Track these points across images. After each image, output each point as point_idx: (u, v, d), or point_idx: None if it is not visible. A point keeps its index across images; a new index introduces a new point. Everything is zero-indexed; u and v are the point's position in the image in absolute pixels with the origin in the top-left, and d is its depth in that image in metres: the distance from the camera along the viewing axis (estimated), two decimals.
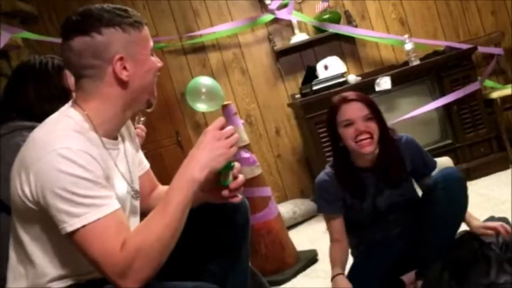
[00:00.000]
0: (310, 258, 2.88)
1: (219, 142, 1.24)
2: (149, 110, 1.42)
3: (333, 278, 1.95)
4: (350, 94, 1.99)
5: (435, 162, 2.12)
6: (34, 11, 3.74)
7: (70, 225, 1.13)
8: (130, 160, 1.42)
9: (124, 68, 1.27)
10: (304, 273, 2.78)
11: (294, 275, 2.76)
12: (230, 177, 1.35)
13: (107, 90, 1.28)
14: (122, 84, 1.28)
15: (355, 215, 2.04)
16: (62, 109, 1.32)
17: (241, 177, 1.38)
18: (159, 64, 1.37)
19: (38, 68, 1.89)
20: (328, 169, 2.08)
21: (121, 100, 1.30)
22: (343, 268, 1.99)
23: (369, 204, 2.01)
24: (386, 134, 1.98)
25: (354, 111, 1.93)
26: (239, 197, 1.39)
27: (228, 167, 1.32)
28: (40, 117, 1.44)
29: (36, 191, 1.15)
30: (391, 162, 1.98)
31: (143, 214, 1.43)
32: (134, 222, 1.40)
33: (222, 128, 1.26)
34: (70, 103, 1.33)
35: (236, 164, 1.36)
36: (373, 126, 1.92)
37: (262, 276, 2.16)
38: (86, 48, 1.25)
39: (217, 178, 1.36)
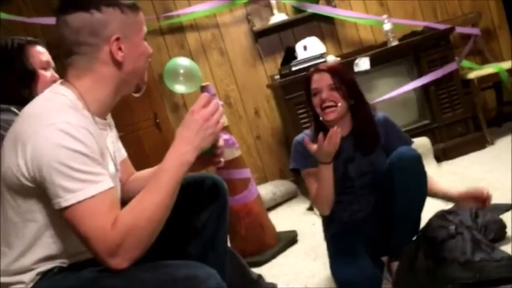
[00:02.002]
0: (290, 239, 2.89)
1: (208, 122, 1.25)
2: (137, 95, 1.41)
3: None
4: (322, 65, 2.12)
5: (411, 140, 2.15)
6: None
7: (65, 200, 1.13)
8: (114, 144, 1.44)
9: (120, 49, 1.27)
10: (284, 254, 2.80)
11: (274, 256, 2.77)
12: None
13: (101, 69, 1.28)
14: (117, 64, 1.28)
15: None
16: (53, 86, 1.31)
17: (220, 141, 1.43)
18: (151, 50, 1.38)
19: (1, 51, 1.83)
20: (306, 131, 2.20)
21: (113, 80, 1.30)
22: None
23: (339, 167, 2.06)
24: (358, 104, 2.08)
25: (321, 80, 2.05)
26: (222, 161, 1.44)
27: None
28: (11, 100, 1.41)
29: (32, 165, 1.14)
30: (365, 129, 2.07)
31: (121, 202, 1.43)
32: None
33: (207, 104, 1.26)
34: (60, 81, 1.31)
35: None
36: (337, 95, 2.03)
37: (242, 258, 2.16)
38: (84, 25, 1.24)
39: None
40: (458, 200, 2.09)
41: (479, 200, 2.06)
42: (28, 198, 1.21)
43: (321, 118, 2.07)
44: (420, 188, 1.97)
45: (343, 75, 2.06)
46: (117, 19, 1.27)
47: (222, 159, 1.44)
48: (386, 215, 2.00)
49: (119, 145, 1.57)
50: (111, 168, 1.34)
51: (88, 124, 1.21)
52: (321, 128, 2.09)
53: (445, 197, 2.11)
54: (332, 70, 2.06)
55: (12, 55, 1.83)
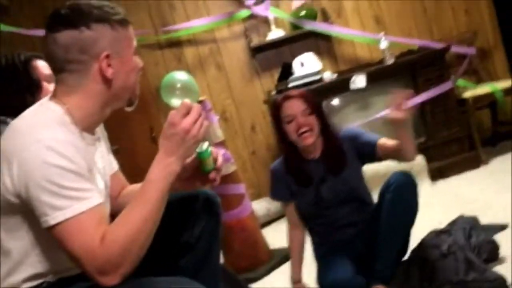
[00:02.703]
0: (283, 256, 2.88)
1: (189, 133, 1.24)
2: (130, 109, 1.41)
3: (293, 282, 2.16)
4: (291, 92, 2.13)
5: (376, 137, 2.11)
6: (6, 2, 3.66)
7: (53, 218, 1.11)
8: (103, 157, 1.42)
9: (109, 65, 1.26)
10: (277, 270, 2.79)
11: (267, 272, 2.76)
12: (212, 162, 1.40)
13: (90, 86, 1.27)
14: (106, 81, 1.27)
15: (301, 202, 2.15)
16: (41, 101, 1.30)
17: (220, 159, 1.43)
18: (141, 64, 1.37)
19: (4, 65, 1.87)
20: (281, 158, 2.22)
21: (102, 97, 1.29)
22: (301, 262, 2.19)
23: (313, 191, 2.10)
24: (327, 127, 2.11)
25: (294, 107, 2.06)
26: (218, 180, 1.44)
27: (207, 154, 1.38)
28: (11, 111, 1.41)
29: (19, 183, 1.13)
30: (333, 151, 2.10)
31: (111, 215, 1.42)
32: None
33: (187, 113, 1.25)
34: (49, 96, 1.30)
35: (212, 148, 1.41)
36: (312, 120, 2.05)
37: (236, 273, 2.16)
38: (73, 42, 1.23)
39: (196, 166, 1.43)
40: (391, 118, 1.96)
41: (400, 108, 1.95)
42: (14, 216, 1.20)
43: (299, 144, 2.07)
44: (409, 213, 1.97)
45: (313, 100, 2.09)
46: (107, 36, 1.26)
47: (218, 178, 1.43)
48: (374, 235, 2.00)
49: (111, 158, 1.56)
50: (100, 183, 1.33)
51: (75, 140, 1.20)
52: (294, 154, 2.13)
53: (397, 146, 2.00)
54: (303, 96, 2.08)
55: (19, 67, 1.87)
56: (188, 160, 1.47)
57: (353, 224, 2.10)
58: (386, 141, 2.05)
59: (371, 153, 2.06)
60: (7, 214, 1.20)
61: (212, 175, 1.41)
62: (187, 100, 1.28)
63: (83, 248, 1.12)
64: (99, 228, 1.14)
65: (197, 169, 1.44)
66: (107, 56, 1.25)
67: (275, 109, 2.12)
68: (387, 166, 2.28)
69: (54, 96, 1.28)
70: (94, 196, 1.17)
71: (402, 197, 1.93)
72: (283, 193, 2.18)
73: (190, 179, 1.47)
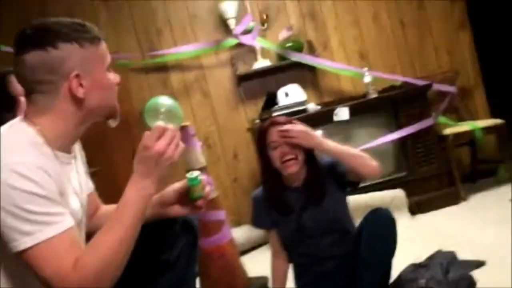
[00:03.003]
0: (261, 285, 2.85)
1: (163, 155, 1.22)
2: (113, 124, 1.39)
3: None
4: (278, 119, 2.11)
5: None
6: None
7: (22, 243, 1.09)
8: (80, 177, 1.40)
9: (81, 85, 1.24)
10: None
11: None
12: (201, 189, 1.42)
13: (62, 106, 1.24)
14: (78, 101, 1.25)
15: (283, 231, 2.13)
16: (12, 122, 1.27)
17: (208, 187, 1.44)
18: (117, 79, 1.35)
19: None
20: (262, 186, 2.20)
21: (75, 116, 1.27)
22: None
23: (295, 219, 2.07)
24: (312, 157, 2.09)
25: (279, 133, 2.02)
26: (202, 207, 1.45)
27: (197, 181, 1.40)
28: None
29: None
30: (314, 180, 2.07)
31: (87, 235, 1.40)
32: (83, 237, 1.37)
33: (161, 135, 1.23)
34: (20, 117, 1.28)
35: (203, 176, 1.42)
36: (297, 148, 2.01)
37: None
38: (41, 63, 1.21)
39: (184, 192, 1.45)
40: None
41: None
42: None
43: (283, 172, 2.04)
44: (388, 248, 1.96)
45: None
46: (75, 55, 1.23)
47: (202, 205, 1.44)
48: (352, 271, 1.99)
49: (87, 178, 1.53)
50: (74, 203, 1.30)
51: (46, 162, 1.17)
52: (276, 182, 2.10)
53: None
54: (290, 123, 2.05)
55: None
56: (177, 185, 1.48)
57: (334, 257, 2.08)
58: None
59: (345, 179, 2.07)
60: None
61: (199, 202, 1.42)
62: (163, 123, 1.26)
63: (55, 273, 1.09)
64: (71, 251, 1.12)
65: (185, 196, 1.44)
66: (77, 76, 1.23)
67: (261, 134, 2.09)
68: (372, 197, 2.28)
69: (26, 116, 1.26)
70: (65, 220, 1.15)
71: (379, 231, 1.93)
72: (264, 221, 2.16)
73: (178, 205, 1.48)
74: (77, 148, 1.46)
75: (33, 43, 1.21)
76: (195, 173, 1.40)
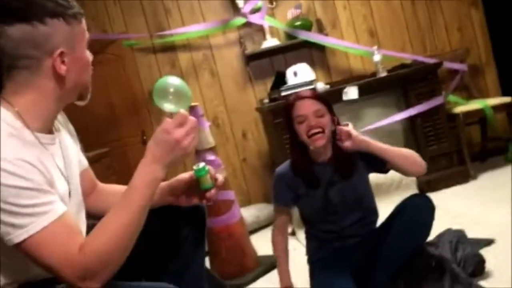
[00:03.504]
0: (270, 263, 2.87)
1: (180, 144, 1.21)
2: (82, 103, 1.36)
3: None
4: (304, 92, 2.09)
5: (385, 164, 2.13)
6: None
7: (16, 236, 1.08)
8: (66, 154, 1.36)
9: (63, 62, 1.21)
10: (263, 278, 2.78)
11: (254, 279, 2.75)
12: (210, 180, 1.40)
13: (43, 83, 1.21)
14: (59, 78, 1.22)
15: (308, 204, 2.11)
16: None
17: (220, 177, 1.43)
18: (91, 58, 1.32)
19: None
20: (288, 162, 2.17)
21: (55, 94, 1.23)
22: (288, 266, 2.18)
23: (321, 194, 2.06)
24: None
25: (306, 107, 2.01)
26: (214, 199, 1.43)
27: (204, 172, 1.39)
28: None
29: None
30: (344, 154, 2.05)
31: (87, 215, 1.40)
32: (82, 216, 1.37)
33: (183, 124, 1.22)
34: None
35: (209, 167, 1.40)
36: (324, 121, 2.01)
37: (222, 279, 2.15)
38: (26, 38, 1.16)
39: (193, 183, 1.44)
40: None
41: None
42: None
43: (310, 146, 2.03)
44: (422, 236, 1.99)
45: (325, 101, 2.06)
46: (61, 31, 1.20)
47: (212, 196, 1.43)
48: (376, 246, 1.99)
49: (80, 155, 1.50)
50: (62, 185, 1.27)
51: (27, 152, 1.14)
52: (302, 156, 2.09)
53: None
54: (316, 96, 2.05)
55: None
56: (186, 176, 1.47)
57: (356, 236, 2.08)
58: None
59: (380, 163, 2.05)
60: None
61: (209, 193, 1.40)
62: (182, 109, 1.25)
63: (60, 258, 1.10)
64: (71, 236, 1.12)
65: (193, 186, 1.44)
66: (61, 53, 1.20)
67: (287, 108, 2.07)
68: (382, 176, 2.26)
69: (3, 97, 1.21)
70: (57, 207, 1.13)
71: (419, 219, 1.94)
72: (287, 197, 2.13)
73: (187, 195, 1.48)
74: (62, 121, 1.43)
75: (18, 16, 1.16)
76: (201, 164, 1.39)
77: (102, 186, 1.62)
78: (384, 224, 2.08)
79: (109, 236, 1.13)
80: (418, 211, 1.95)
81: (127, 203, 1.17)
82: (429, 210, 1.96)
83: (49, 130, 1.29)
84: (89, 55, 1.30)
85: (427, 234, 2.01)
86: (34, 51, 1.18)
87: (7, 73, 1.20)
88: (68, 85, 1.24)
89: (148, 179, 1.19)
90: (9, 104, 1.19)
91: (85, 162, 1.54)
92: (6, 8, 1.17)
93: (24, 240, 1.09)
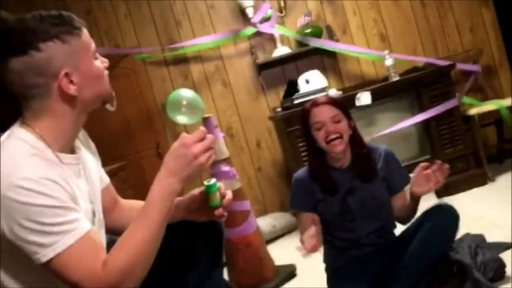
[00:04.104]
0: (289, 273, 2.87)
1: (197, 159, 1.22)
2: (111, 109, 1.37)
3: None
4: (320, 98, 2.09)
5: (409, 177, 2.14)
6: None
7: (43, 255, 1.10)
8: (89, 173, 1.38)
9: (71, 82, 1.21)
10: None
11: None
12: (218, 197, 1.39)
13: (56, 107, 1.22)
14: (71, 98, 1.23)
15: (325, 211, 2.08)
16: (11, 130, 1.24)
17: (229, 194, 1.41)
18: (105, 64, 1.31)
19: None
20: (306, 167, 2.16)
21: (72, 113, 1.25)
22: None
23: (339, 200, 2.05)
24: (356, 134, 2.08)
25: (324, 113, 2.01)
26: (225, 216, 1.41)
27: (215, 188, 1.37)
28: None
29: (2, 227, 1.11)
30: (363, 158, 2.06)
31: (108, 231, 1.41)
32: (102, 234, 1.39)
33: (202, 139, 1.23)
34: (18, 123, 1.25)
35: (220, 184, 1.40)
36: (342, 127, 2.01)
37: None
38: (27, 68, 1.17)
39: (204, 199, 1.42)
40: (413, 189, 1.94)
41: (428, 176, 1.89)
42: (9, 256, 1.18)
43: (329, 152, 2.03)
44: (443, 248, 1.97)
45: (342, 106, 2.05)
46: (60, 52, 1.19)
47: (224, 215, 1.42)
48: (397, 254, 1.98)
49: (101, 172, 1.52)
50: (85, 205, 1.29)
51: (51, 171, 1.15)
52: (320, 162, 2.09)
53: (410, 203, 2.03)
54: (333, 102, 2.04)
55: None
56: (196, 191, 1.48)
57: (373, 245, 2.07)
58: (403, 196, 2.11)
59: (390, 189, 2.09)
60: (2, 255, 1.18)
61: (217, 212, 1.39)
62: (195, 121, 1.27)
63: (85, 276, 1.11)
64: (95, 253, 1.14)
65: (205, 203, 1.44)
66: (66, 74, 1.20)
67: (304, 115, 2.07)
68: None
69: (24, 122, 1.23)
70: (82, 224, 1.15)
71: (443, 230, 1.93)
72: (304, 202, 2.10)
73: (198, 211, 1.48)
74: (82, 139, 1.44)
75: (13, 49, 1.17)
76: (212, 180, 1.38)
77: (123, 202, 1.63)
78: (406, 232, 2.06)
79: (130, 252, 1.14)
80: (443, 221, 1.93)
81: (146, 218, 1.18)
82: (454, 220, 1.94)
83: (71, 149, 1.31)
84: (99, 64, 1.29)
85: (451, 243, 2.00)
86: (38, 78, 1.18)
87: (24, 103, 1.23)
88: (83, 101, 1.25)
89: (165, 193, 1.20)
90: (30, 128, 1.21)
91: (106, 179, 1.56)
92: (2, 44, 1.18)
93: (51, 259, 1.10)
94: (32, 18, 1.19)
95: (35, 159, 1.15)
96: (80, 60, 1.23)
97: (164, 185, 1.21)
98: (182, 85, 4.15)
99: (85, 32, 1.26)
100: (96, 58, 1.29)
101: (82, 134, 1.45)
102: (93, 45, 1.28)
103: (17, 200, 1.08)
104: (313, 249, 1.80)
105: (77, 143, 1.37)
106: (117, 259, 1.13)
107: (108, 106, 1.36)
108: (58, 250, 1.10)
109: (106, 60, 1.32)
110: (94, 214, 1.34)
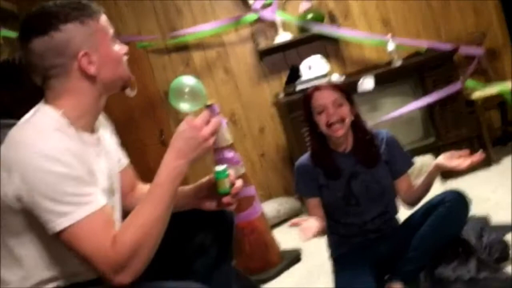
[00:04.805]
0: (294, 257, 2.88)
1: (206, 142, 1.25)
2: (132, 94, 1.41)
3: None
4: (323, 83, 2.13)
5: (412, 161, 2.15)
6: (14, 9, 3.69)
7: (58, 224, 1.13)
8: (108, 155, 1.41)
9: (90, 62, 1.26)
10: (287, 272, 2.79)
11: (278, 274, 2.76)
12: (227, 185, 1.41)
13: (77, 85, 1.26)
14: (91, 78, 1.27)
15: (329, 196, 2.09)
16: (36, 108, 1.30)
17: (238, 183, 1.44)
18: (124, 50, 1.36)
19: (10, 68, 1.84)
20: (307, 153, 2.17)
21: (92, 93, 1.29)
22: None
23: (343, 185, 2.06)
24: (358, 119, 2.09)
25: (325, 97, 2.02)
26: (234, 205, 1.44)
27: (224, 175, 1.39)
28: (21, 117, 1.41)
29: (20, 193, 1.14)
30: (365, 143, 2.07)
31: (125, 213, 1.43)
32: (116, 216, 1.40)
33: (208, 122, 1.26)
34: (42, 103, 1.30)
35: (230, 171, 1.42)
36: (343, 111, 2.02)
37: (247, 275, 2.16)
38: (47, 49, 1.22)
39: (213, 187, 1.44)
40: (440, 161, 1.94)
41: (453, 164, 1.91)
42: (22, 223, 1.21)
43: (331, 135, 2.03)
44: (452, 234, 1.99)
45: (345, 91, 2.06)
46: (79, 33, 1.24)
47: (234, 203, 1.44)
48: (404, 239, 1.99)
49: (119, 153, 1.55)
50: (103, 183, 1.32)
51: (73, 145, 1.20)
52: (323, 147, 2.09)
53: (427, 184, 2.03)
54: (335, 86, 2.05)
55: (21, 71, 1.82)
56: (205, 179, 1.49)
57: (376, 231, 2.08)
58: (407, 179, 2.11)
59: (393, 174, 2.09)
60: (14, 221, 1.21)
61: (226, 199, 1.42)
62: (198, 108, 1.29)
63: (93, 251, 1.14)
64: (107, 230, 1.16)
65: (214, 190, 1.45)
66: (85, 54, 1.24)
67: (306, 99, 2.08)
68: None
69: (47, 102, 1.28)
70: (98, 199, 1.18)
71: (455, 215, 1.94)
72: (310, 188, 2.11)
73: (206, 199, 1.49)
74: (102, 120, 1.48)
75: (34, 30, 1.23)
76: (222, 167, 1.40)
77: (141, 186, 1.66)
78: (412, 219, 2.07)
79: (137, 230, 1.17)
80: (455, 206, 1.95)
81: (154, 199, 1.21)
82: (466, 205, 1.97)
83: (92, 129, 1.35)
84: (119, 48, 1.34)
85: (462, 228, 2.01)
86: (58, 59, 1.24)
87: (45, 84, 1.27)
88: (103, 82, 1.29)
89: (174, 175, 1.23)
90: (54, 106, 1.26)
91: (125, 161, 1.59)
92: (24, 26, 1.25)
93: (65, 229, 1.13)
94: (53, 4, 1.25)
95: (58, 134, 1.19)
96: (99, 42, 1.28)
97: (172, 166, 1.23)
98: (183, 72, 4.14)
99: (103, 17, 1.32)
100: (115, 43, 1.33)
101: (102, 116, 1.49)
102: (111, 30, 1.33)
103: (39, 168, 1.12)
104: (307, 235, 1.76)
105: (98, 124, 1.41)
106: (124, 237, 1.15)
107: (127, 91, 1.40)
108: (72, 221, 1.13)
109: (125, 46, 1.37)
110: (113, 193, 1.37)
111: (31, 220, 1.18)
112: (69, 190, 1.13)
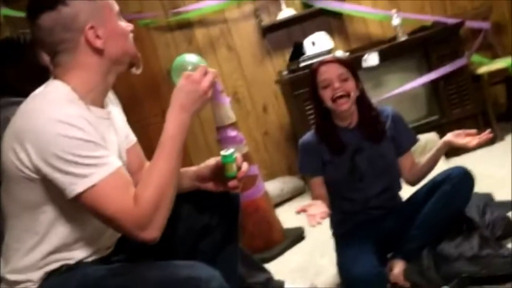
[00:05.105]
0: (297, 236, 2.89)
1: (206, 94, 1.29)
2: (138, 72, 1.41)
3: None
4: (328, 57, 2.10)
5: (416, 138, 2.15)
6: None
7: (80, 185, 1.15)
8: (118, 131, 1.44)
9: (97, 36, 1.27)
10: (291, 250, 2.80)
11: (281, 252, 2.77)
12: (234, 168, 1.41)
13: (85, 59, 1.28)
14: (99, 52, 1.29)
15: (333, 171, 2.08)
16: (47, 83, 1.31)
17: (245, 166, 1.44)
18: (130, 27, 1.37)
19: (14, 46, 1.83)
20: (311, 131, 2.16)
21: (100, 67, 1.30)
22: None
23: (348, 160, 2.05)
24: (363, 95, 2.08)
25: (331, 71, 2.01)
26: (239, 187, 1.45)
27: (231, 159, 1.39)
28: (26, 95, 1.41)
29: (36, 159, 1.16)
30: (371, 119, 2.07)
31: None
32: None
33: (206, 75, 1.29)
34: (51, 78, 1.32)
35: (237, 155, 1.42)
36: (349, 85, 2.00)
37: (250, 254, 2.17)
38: (55, 23, 1.24)
39: (218, 169, 1.45)
40: (449, 138, 1.97)
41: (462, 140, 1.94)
42: (35, 191, 1.22)
43: (335, 109, 2.01)
44: (457, 212, 1.99)
45: (350, 66, 2.05)
46: (85, 8, 1.26)
47: (239, 186, 1.46)
48: (408, 216, 2.00)
49: (127, 130, 1.56)
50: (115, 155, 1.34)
51: (86, 114, 1.22)
52: (327, 122, 2.08)
53: (433, 161, 2.05)
54: (340, 61, 2.04)
55: (24, 50, 1.83)
56: (212, 161, 1.50)
57: (381, 208, 2.08)
58: (411, 156, 2.11)
59: (398, 150, 2.09)
60: (28, 190, 1.23)
61: (232, 183, 1.43)
62: (205, 65, 1.31)
63: (119, 208, 1.16)
64: (128, 188, 1.20)
65: (220, 173, 1.46)
66: (92, 27, 1.26)
67: (311, 74, 2.07)
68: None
69: (56, 77, 1.30)
70: (114, 160, 1.21)
71: (460, 192, 1.94)
72: (314, 165, 2.09)
73: (211, 181, 1.51)
74: (112, 98, 1.50)
75: (43, 6, 1.25)
76: (230, 150, 1.40)
77: (148, 164, 1.65)
78: (415, 197, 2.07)
79: (156, 185, 1.20)
80: (460, 183, 1.94)
81: (167, 152, 1.24)
82: (471, 183, 1.96)
83: (101, 105, 1.36)
84: (125, 25, 1.35)
85: (466, 205, 2.01)
86: (66, 33, 1.25)
87: (54, 60, 1.30)
88: (110, 56, 1.31)
89: (180, 128, 1.27)
90: (64, 81, 1.28)
91: (133, 139, 1.59)
92: (32, 3, 1.27)
93: (86, 190, 1.15)
94: None
95: (69, 103, 1.22)
96: (105, 17, 1.30)
97: (178, 120, 1.27)
98: (186, 50, 4.11)
99: None
100: (121, 20, 1.35)
101: (112, 94, 1.51)
102: (116, 6, 1.35)
103: (56, 132, 1.14)
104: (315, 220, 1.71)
105: (107, 101, 1.43)
106: (144, 193, 1.19)
107: (133, 70, 1.40)
108: (94, 181, 1.15)
109: (131, 24, 1.38)
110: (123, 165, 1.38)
111: (46, 189, 1.21)
112: (87, 153, 1.15)
